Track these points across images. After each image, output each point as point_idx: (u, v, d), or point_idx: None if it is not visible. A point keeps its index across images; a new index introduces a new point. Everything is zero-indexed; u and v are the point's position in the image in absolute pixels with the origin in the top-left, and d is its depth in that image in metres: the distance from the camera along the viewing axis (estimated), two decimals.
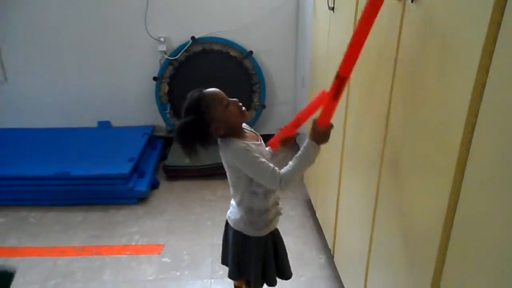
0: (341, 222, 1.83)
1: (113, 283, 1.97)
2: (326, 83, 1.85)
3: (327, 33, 1.97)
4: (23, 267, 2.05)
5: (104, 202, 2.62)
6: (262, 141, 1.40)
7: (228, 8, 3.16)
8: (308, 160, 1.25)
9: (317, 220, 2.30)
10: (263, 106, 3.23)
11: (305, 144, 1.26)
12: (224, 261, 1.58)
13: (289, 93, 3.36)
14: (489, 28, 0.75)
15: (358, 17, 1.11)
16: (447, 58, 0.91)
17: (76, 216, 2.51)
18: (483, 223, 0.79)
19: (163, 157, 3.19)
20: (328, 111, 1.23)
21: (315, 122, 1.25)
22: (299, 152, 1.26)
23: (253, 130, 1.43)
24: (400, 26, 1.13)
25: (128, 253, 2.18)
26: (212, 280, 1.99)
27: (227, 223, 1.49)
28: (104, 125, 3.39)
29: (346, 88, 1.62)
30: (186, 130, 1.25)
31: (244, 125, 1.39)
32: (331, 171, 1.93)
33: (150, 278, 2.00)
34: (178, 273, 2.03)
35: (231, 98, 1.32)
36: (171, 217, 2.51)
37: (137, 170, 2.77)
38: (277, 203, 1.44)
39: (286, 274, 1.50)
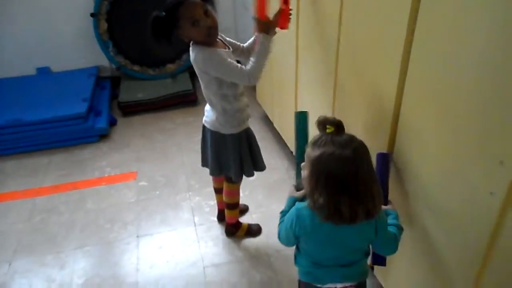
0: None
1: (98, 210, 2.09)
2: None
3: None
4: (0, 213, 2.09)
5: (65, 144, 2.63)
6: (231, 49, 1.53)
7: None
8: (266, 51, 1.42)
9: (276, 132, 2.52)
10: None
11: (260, 39, 1.42)
12: (204, 163, 1.75)
13: (229, 18, 3.41)
14: None
15: None
16: None
17: (41, 160, 2.52)
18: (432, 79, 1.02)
19: (114, 96, 3.19)
20: (261, 3, 1.41)
21: (256, 19, 1.43)
22: (257, 48, 1.43)
23: (223, 38, 1.55)
24: None
25: (104, 183, 2.29)
26: (190, 192, 2.18)
27: (204, 128, 1.64)
28: (44, 71, 3.26)
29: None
30: (155, 23, 1.37)
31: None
32: (287, 80, 2.11)
33: (132, 200, 2.15)
34: (158, 192, 2.20)
35: None
36: (137, 148, 2.61)
37: (92, 110, 2.78)
38: (247, 106, 1.62)
39: (260, 167, 1.71)
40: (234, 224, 1.87)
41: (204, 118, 1.63)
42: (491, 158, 0.85)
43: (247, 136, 1.64)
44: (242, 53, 1.60)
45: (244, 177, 1.71)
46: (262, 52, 1.42)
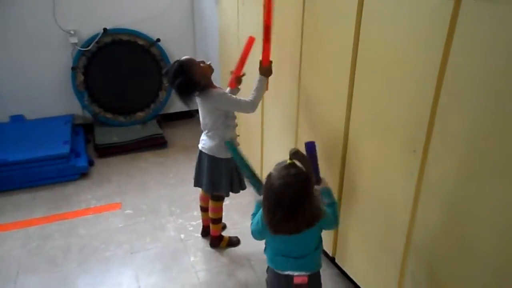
0: (266, 158, 2.51)
1: (91, 235, 2.32)
2: (240, 53, 2.50)
3: (236, 17, 2.60)
4: None
5: (47, 182, 2.83)
6: None
7: (131, 2, 3.55)
8: (263, 89, 1.91)
9: None
10: None
11: (258, 79, 1.90)
12: (196, 184, 2.12)
13: None
14: None
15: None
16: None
17: (24, 197, 2.69)
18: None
19: (87, 141, 3.45)
20: (266, 52, 1.91)
21: (260, 63, 1.91)
22: (256, 85, 1.90)
23: None
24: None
25: (92, 213, 2.52)
26: (173, 217, 2.49)
27: (201, 153, 2.03)
28: (18, 119, 3.45)
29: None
30: (182, 86, 1.80)
31: None
32: (254, 126, 2.57)
33: (120, 225, 2.41)
34: (144, 218, 2.48)
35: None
36: (117, 183, 2.88)
37: (72, 151, 3.02)
38: (238, 135, 2.05)
39: (244, 186, 2.12)
40: (217, 236, 2.21)
41: (201, 145, 2.03)
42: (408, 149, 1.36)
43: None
44: None
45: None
46: (261, 89, 1.92)
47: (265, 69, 1.92)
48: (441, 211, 1.27)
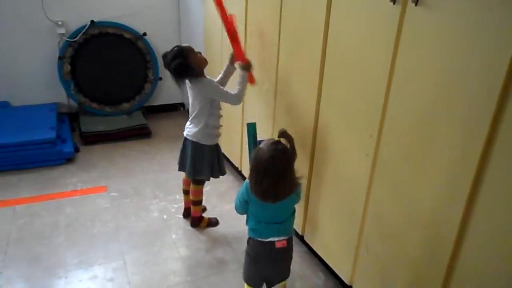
0: (245, 147, 2.67)
1: (77, 213, 2.45)
2: (223, 51, 2.68)
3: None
4: None
5: (34, 165, 2.93)
6: None
7: None
8: (245, 82, 2.10)
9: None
10: (160, 78, 3.86)
11: (241, 73, 2.10)
12: (180, 168, 2.28)
13: None
14: None
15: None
16: None
17: (11, 179, 2.79)
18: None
19: (72, 129, 3.55)
20: (239, 52, 2.10)
21: (240, 63, 2.11)
22: (239, 80, 2.09)
23: None
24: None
25: (78, 195, 2.65)
26: (157, 199, 2.64)
27: (185, 139, 2.19)
28: (3, 105, 3.52)
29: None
30: (178, 68, 1.97)
31: None
32: (234, 115, 2.75)
33: (107, 205, 2.55)
34: (128, 200, 2.62)
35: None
36: (103, 168, 3.01)
37: (58, 137, 3.13)
38: (221, 125, 2.22)
39: (223, 171, 2.29)
40: (198, 217, 2.38)
41: (186, 132, 2.18)
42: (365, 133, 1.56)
43: (217, 148, 2.24)
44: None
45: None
46: (244, 83, 2.10)
47: (244, 66, 2.11)
48: (390, 187, 1.48)
